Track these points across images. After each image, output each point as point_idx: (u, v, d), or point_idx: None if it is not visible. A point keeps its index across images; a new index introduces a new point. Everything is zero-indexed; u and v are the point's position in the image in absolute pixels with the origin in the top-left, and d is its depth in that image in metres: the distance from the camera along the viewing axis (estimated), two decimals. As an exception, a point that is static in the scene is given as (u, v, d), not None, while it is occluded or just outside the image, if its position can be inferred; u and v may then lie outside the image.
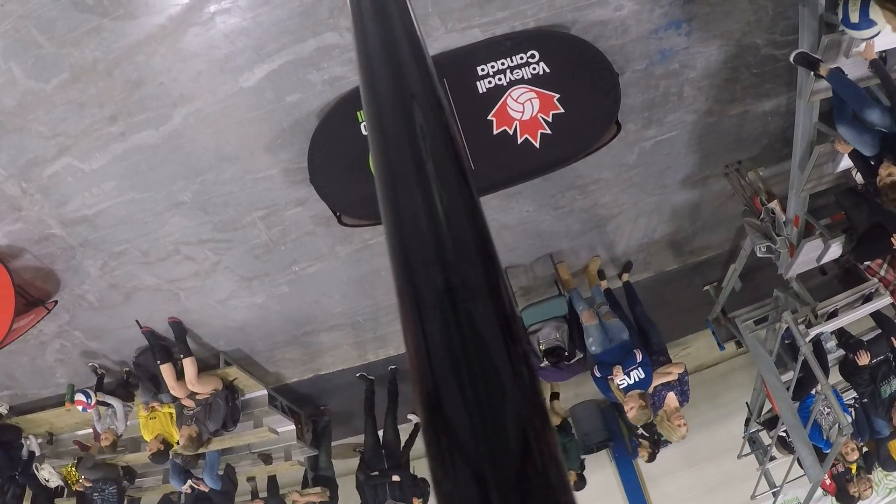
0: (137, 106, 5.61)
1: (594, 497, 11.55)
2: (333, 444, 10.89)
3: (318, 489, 10.11)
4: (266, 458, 10.43)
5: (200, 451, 8.83)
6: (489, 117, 5.83)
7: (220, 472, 9.62)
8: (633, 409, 6.91)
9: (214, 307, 7.99)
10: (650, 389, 7.05)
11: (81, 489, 9.35)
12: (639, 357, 7.08)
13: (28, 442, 9.41)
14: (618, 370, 6.99)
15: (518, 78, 5.76)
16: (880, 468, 10.20)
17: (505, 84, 5.77)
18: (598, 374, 7.24)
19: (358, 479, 9.48)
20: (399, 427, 9.73)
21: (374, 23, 1.05)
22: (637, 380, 7.02)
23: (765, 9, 5.96)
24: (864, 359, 8.54)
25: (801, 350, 7.72)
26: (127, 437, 9.23)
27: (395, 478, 9.13)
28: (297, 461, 10.45)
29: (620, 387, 7.03)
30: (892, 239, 6.54)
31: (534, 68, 5.74)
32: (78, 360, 8.56)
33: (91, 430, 9.66)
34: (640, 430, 9.28)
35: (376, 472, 9.24)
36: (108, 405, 8.77)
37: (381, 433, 9.56)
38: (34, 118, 5.56)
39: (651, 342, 7.77)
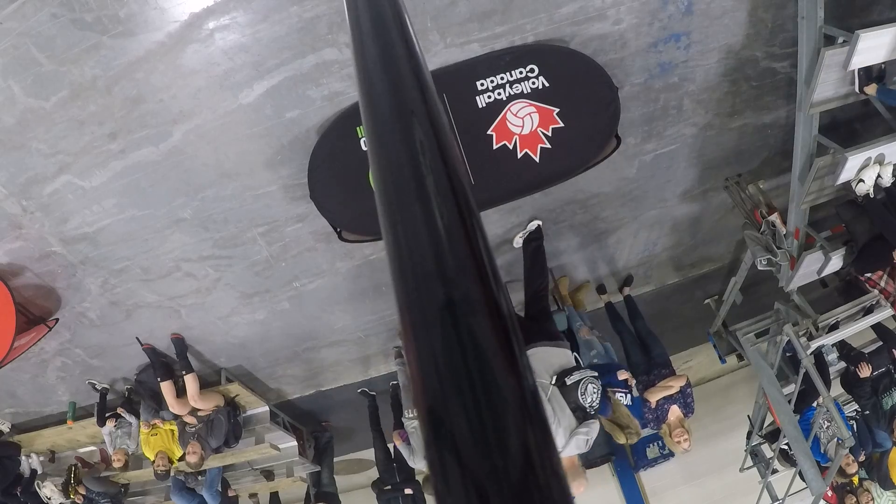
0: (137, 123, 5.61)
1: (596, 512, 11.54)
2: (336, 459, 10.87)
3: (319, 506, 10.12)
4: (268, 475, 10.41)
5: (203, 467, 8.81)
6: (489, 132, 5.83)
7: (219, 489, 9.59)
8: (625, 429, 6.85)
9: (215, 323, 7.98)
10: (653, 405, 7.01)
11: (79, 500, 9.32)
12: (623, 379, 7.02)
13: (30, 460, 9.38)
14: (622, 372, 6.96)
15: (517, 92, 5.76)
16: (878, 485, 10.17)
17: (504, 98, 5.77)
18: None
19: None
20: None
21: (372, 38, 1.05)
22: (629, 403, 6.97)
23: (764, 21, 5.98)
24: (865, 371, 8.54)
25: (802, 363, 7.72)
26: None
27: (408, 491, 9.17)
28: (299, 477, 10.43)
29: (621, 402, 6.99)
30: (893, 253, 6.55)
31: (533, 82, 5.74)
32: (79, 377, 8.54)
33: (94, 448, 9.66)
34: None
35: (389, 486, 9.27)
36: (123, 422, 8.79)
37: (391, 447, 9.55)
38: (34, 136, 5.56)
39: (653, 354, 7.73)
